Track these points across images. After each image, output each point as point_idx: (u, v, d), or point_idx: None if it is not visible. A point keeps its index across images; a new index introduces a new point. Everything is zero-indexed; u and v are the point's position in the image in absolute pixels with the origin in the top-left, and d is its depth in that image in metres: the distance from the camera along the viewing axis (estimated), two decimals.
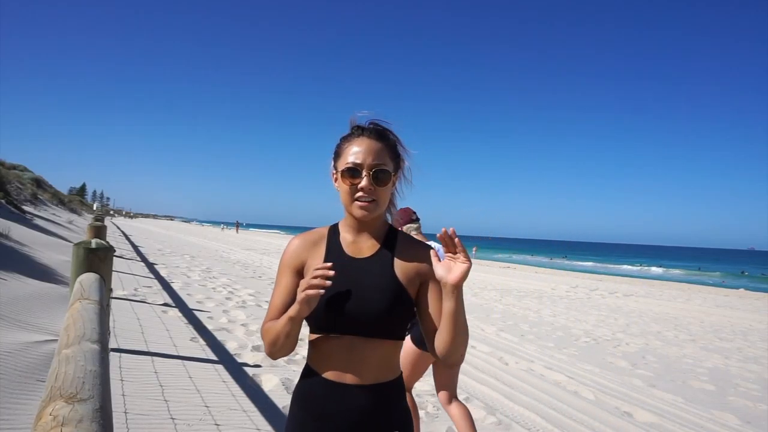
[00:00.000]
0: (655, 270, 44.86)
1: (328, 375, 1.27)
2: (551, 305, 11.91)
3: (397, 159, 1.37)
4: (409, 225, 3.71)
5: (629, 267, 47.22)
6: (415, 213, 3.76)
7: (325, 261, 1.32)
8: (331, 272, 1.15)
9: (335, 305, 1.24)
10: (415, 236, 3.59)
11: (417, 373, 3.08)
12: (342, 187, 1.31)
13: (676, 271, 44.68)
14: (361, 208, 1.29)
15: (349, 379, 1.26)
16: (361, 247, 1.34)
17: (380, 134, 1.34)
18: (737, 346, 8.32)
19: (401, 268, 1.31)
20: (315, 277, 1.15)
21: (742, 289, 24.48)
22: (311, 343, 1.32)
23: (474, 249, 50.93)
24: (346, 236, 1.37)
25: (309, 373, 1.33)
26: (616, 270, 41.31)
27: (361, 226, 1.35)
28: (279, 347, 1.27)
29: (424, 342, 2.76)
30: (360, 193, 1.28)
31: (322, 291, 1.14)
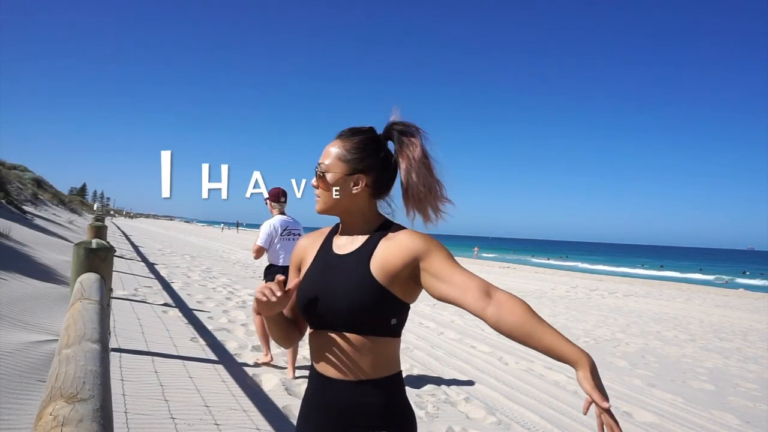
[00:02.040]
0: (655, 270, 44.85)
1: (318, 368, 1.34)
2: (551, 305, 11.91)
3: (361, 157, 1.33)
4: (273, 203, 4.29)
5: (629, 267, 47.20)
6: (284, 195, 4.31)
7: (315, 258, 1.40)
8: (277, 293, 1.22)
9: (309, 301, 1.31)
10: (276, 213, 4.35)
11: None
12: None
13: (676, 272, 44.66)
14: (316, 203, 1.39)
15: (332, 373, 1.30)
16: (347, 243, 1.37)
17: (344, 134, 1.36)
18: (737, 346, 8.33)
19: (380, 262, 1.28)
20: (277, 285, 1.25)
21: (741, 289, 24.49)
22: (308, 337, 1.40)
23: (476, 249, 50.97)
24: (340, 234, 1.41)
25: (311, 366, 1.41)
26: (615, 270, 41.29)
27: (346, 224, 1.39)
28: (275, 339, 1.42)
29: None
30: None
31: (264, 298, 1.22)
